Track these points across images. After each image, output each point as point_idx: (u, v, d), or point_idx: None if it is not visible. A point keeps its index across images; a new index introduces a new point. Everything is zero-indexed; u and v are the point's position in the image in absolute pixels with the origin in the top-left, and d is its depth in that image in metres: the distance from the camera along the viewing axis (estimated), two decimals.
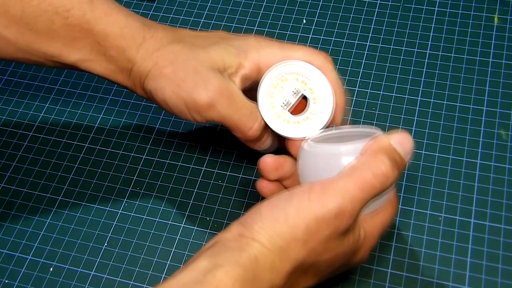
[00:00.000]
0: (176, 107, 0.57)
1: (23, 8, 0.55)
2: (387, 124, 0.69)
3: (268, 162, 0.56)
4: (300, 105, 0.58)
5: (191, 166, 0.68)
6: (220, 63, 0.57)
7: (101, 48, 0.57)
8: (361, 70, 0.74)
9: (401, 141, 0.51)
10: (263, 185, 0.57)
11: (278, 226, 0.47)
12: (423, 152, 0.67)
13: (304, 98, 0.58)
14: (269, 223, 0.47)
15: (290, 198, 0.49)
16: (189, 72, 0.56)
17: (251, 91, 0.59)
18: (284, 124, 0.57)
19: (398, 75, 0.73)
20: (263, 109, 0.57)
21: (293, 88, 0.58)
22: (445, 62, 0.73)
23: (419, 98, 0.71)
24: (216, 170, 0.68)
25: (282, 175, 0.56)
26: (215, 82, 0.55)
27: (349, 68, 0.74)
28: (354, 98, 0.71)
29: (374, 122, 0.69)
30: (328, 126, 0.58)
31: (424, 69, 0.73)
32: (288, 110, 0.57)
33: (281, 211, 0.48)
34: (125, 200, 0.66)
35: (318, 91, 0.58)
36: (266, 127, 0.58)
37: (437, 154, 0.67)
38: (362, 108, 0.70)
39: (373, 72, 0.73)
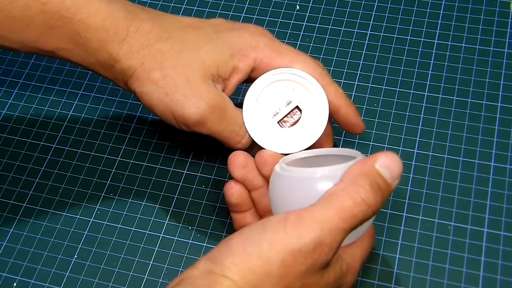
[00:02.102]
0: (162, 114, 0.59)
1: None
2: (390, 122, 0.69)
3: (237, 155, 0.58)
4: (293, 117, 0.60)
5: (171, 169, 0.68)
6: (214, 69, 0.59)
7: (81, 39, 0.58)
8: (361, 62, 0.74)
9: (387, 164, 0.50)
10: (231, 185, 0.58)
11: (251, 261, 0.47)
12: (430, 153, 0.67)
13: (298, 109, 0.60)
14: (241, 258, 0.48)
15: (263, 230, 0.48)
16: (179, 81, 0.58)
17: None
18: (272, 137, 0.59)
19: (402, 68, 0.73)
20: (248, 121, 0.59)
21: (286, 98, 0.59)
22: (455, 53, 0.73)
23: (426, 93, 0.71)
24: (199, 174, 0.68)
25: (248, 177, 0.58)
26: (207, 98, 0.58)
27: (348, 60, 0.74)
28: (354, 93, 0.71)
29: (376, 119, 0.69)
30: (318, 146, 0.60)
31: (432, 61, 0.73)
32: (279, 121, 0.60)
33: (254, 244, 0.48)
34: (97, 207, 0.66)
35: (313, 102, 0.59)
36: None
37: (446, 156, 0.66)
38: (362, 105, 0.70)
39: (375, 64, 0.73)
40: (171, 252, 0.63)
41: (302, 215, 0.48)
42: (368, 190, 0.49)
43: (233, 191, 0.58)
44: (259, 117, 0.60)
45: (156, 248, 0.63)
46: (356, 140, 0.68)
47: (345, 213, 0.48)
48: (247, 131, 0.59)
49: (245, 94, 0.60)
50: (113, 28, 0.58)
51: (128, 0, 0.61)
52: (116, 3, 0.59)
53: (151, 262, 0.62)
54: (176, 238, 0.64)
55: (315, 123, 0.59)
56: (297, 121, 0.60)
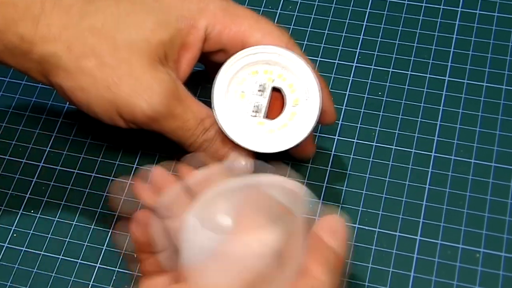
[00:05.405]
0: (104, 114, 0.59)
1: None
2: (400, 116, 0.67)
3: (156, 170, 0.56)
4: (276, 104, 0.60)
5: (111, 178, 0.67)
6: (160, 50, 0.59)
7: None
8: (361, 37, 0.72)
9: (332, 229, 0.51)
10: (138, 215, 0.54)
11: None
12: (452, 157, 0.65)
13: (279, 92, 0.60)
14: None
15: None
16: (122, 69, 0.57)
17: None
18: (252, 135, 0.59)
19: (415, 44, 0.71)
20: (222, 116, 0.59)
21: (264, 84, 0.60)
22: (484, 25, 0.71)
23: (446, 78, 0.69)
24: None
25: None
26: (159, 89, 0.58)
27: (344, 34, 0.72)
28: (351, 78, 0.70)
29: (381, 113, 0.67)
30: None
31: (454, 36, 0.71)
32: (262, 116, 0.59)
33: None
34: (13, 228, 0.65)
35: (296, 80, 0.59)
36: (226, 142, 0.61)
37: (472, 161, 0.64)
38: (362, 93, 0.68)
39: (379, 39, 0.72)
40: (110, 287, 0.62)
41: None
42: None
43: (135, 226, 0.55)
44: (233, 111, 0.59)
45: (91, 283, 0.62)
46: (355, 140, 0.66)
47: None
48: (223, 130, 0.59)
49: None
50: (23, 2, 0.56)
51: None
52: None
53: None
54: (117, 269, 0.62)
55: (304, 111, 0.59)
56: (281, 111, 0.59)
